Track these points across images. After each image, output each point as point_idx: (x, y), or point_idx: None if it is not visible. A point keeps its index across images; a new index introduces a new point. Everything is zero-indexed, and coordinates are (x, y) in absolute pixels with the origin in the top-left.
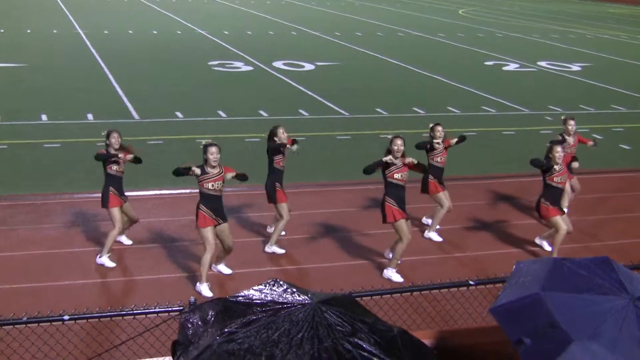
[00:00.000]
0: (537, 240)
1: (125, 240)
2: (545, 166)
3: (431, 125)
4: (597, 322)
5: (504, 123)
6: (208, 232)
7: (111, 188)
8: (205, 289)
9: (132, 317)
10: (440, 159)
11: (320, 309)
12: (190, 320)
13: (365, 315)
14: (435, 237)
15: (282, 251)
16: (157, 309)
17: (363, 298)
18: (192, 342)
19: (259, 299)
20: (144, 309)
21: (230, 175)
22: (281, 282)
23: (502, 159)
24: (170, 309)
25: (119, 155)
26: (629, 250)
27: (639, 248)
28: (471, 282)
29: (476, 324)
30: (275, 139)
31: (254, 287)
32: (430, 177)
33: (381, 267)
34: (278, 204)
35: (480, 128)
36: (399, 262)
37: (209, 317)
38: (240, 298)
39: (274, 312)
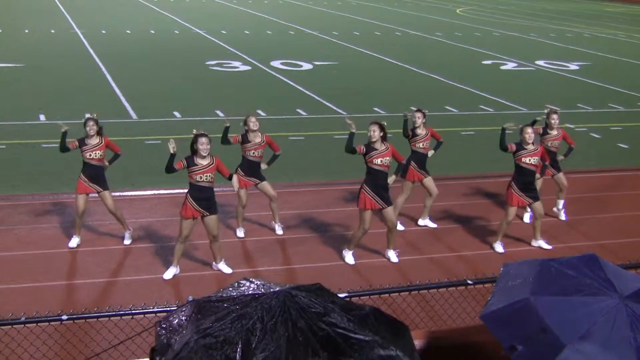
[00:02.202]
0: (534, 243)
1: (126, 239)
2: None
3: (413, 110)
4: (588, 323)
5: (502, 122)
6: (186, 224)
7: (81, 174)
8: (168, 273)
9: (130, 317)
10: (423, 144)
11: (291, 294)
12: (164, 326)
13: (335, 297)
14: (399, 227)
15: (242, 235)
16: (155, 309)
17: (361, 297)
18: (169, 346)
19: (231, 297)
20: (142, 309)
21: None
22: (253, 280)
23: (499, 158)
24: (168, 308)
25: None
26: (623, 249)
27: (634, 247)
28: (469, 282)
29: (474, 323)
30: (245, 127)
31: (226, 287)
32: (413, 163)
33: (378, 266)
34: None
35: (478, 127)
36: (395, 256)
37: (184, 320)
38: (213, 297)
39: (246, 303)
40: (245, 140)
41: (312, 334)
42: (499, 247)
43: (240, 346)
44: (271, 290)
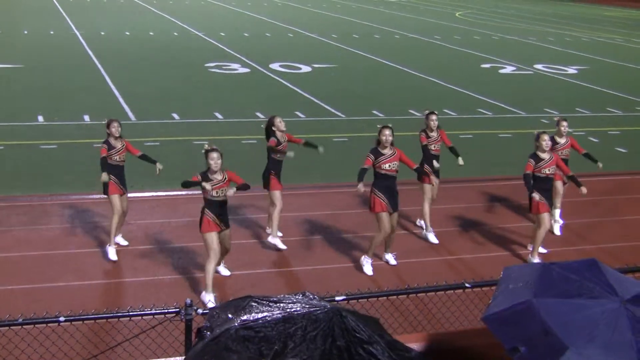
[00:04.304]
0: (529, 246)
1: (121, 241)
2: (530, 177)
3: (426, 113)
4: (590, 327)
5: (500, 125)
6: (212, 238)
7: (111, 176)
8: (210, 299)
9: (128, 318)
10: (435, 146)
11: (341, 314)
12: (217, 311)
13: (385, 334)
14: (433, 238)
15: (284, 247)
16: (153, 311)
17: (359, 300)
18: (212, 329)
19: (284, 302)
20: (140, 311)
21: (231, 191)
22: (309, 294)
23: (497, 161)
24: (166, 310)
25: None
26: (622, 253)
27: (633, 251)
28: (467, 285)
29: (471, 326)
30: (273, 128)
31: (285, 294)
32: (426, 165)
33: (377, 269)
34: (270, 192)
35: (477, 130)
36: (393, 259)
37: (234, 309)
38: (271, 298)
39: (295, 310)
40: (277, 142)
41: (348, 355)
42: (536, 260)
43: (276, 346)
44: (323, 303)
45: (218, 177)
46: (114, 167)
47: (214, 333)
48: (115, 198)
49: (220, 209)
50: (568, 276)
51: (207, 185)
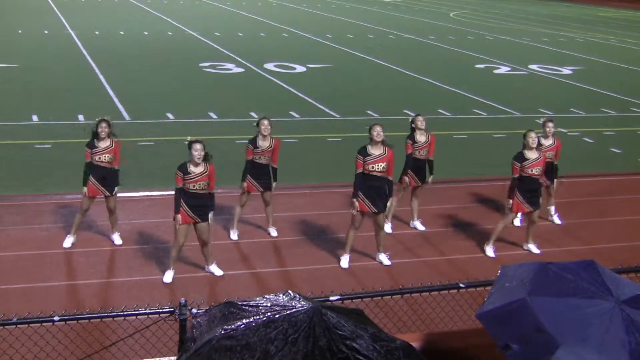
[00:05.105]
0: (525, 246)
1: (116, 240)
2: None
3: (412, 117)
4: (584, 326)
5: (495, 126)
6: (180, 229)
7: (90, 177)
8: (167, 277)
9: (123, 318)
10: (420, 152)
11: (321, 312)
12: (199, 321)
13: (369, 326)
14: (387, 229)
15: (235, 238)
16: (148, 311)
17: (353, 300)
18: (194, 340)
19: (264, 305)
20: (134, 311)
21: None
22: (291, 292)
23: (492, 162)
24: (160, 310)
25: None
26: (617, 253)
27: (627, 251)
28: (462, 285)
29: (466, 327)
30: (257, 129)
31: (265, 296)
32: (409, 170)
33: (371, 269)
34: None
35: (471, 131)
36: (387, 259)
37: (216, 318)
38: (250, 302)
39: (276, 313)
40: (255, 145)
41: (330, 354)
42: (490, 252)
43: (258, 353)
44: (303, 302)
45: (197, 170)
46: (94, 168)
47: (197, 344)
48: (84, 199)
49: (196, 201)
50: (564, 276)
51: (176, 224)
